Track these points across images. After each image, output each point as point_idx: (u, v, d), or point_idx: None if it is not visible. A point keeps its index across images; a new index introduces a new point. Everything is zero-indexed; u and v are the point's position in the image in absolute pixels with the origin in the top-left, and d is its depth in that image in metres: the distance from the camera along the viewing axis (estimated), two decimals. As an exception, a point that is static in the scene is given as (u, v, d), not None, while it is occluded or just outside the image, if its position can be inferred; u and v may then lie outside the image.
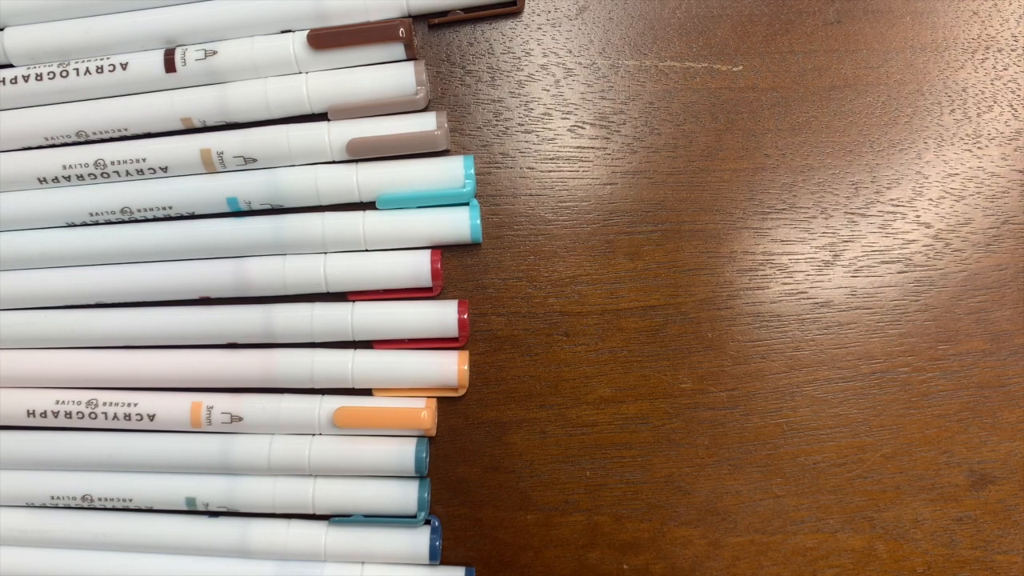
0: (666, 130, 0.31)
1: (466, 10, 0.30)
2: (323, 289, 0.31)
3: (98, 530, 0.32)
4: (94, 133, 0.31)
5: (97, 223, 0.32)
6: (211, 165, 0.30)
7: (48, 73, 0.30)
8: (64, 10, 0.30)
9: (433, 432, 0.31)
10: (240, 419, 0.31)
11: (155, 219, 0.31)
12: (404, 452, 0.31)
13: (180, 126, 0.31)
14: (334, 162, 0.31)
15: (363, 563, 0.31)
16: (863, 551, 0.32)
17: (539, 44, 0.31)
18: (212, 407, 0.31)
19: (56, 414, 0.31)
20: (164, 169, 0.31)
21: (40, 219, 0.31)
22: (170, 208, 0.31)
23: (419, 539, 0.31)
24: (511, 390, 0.32)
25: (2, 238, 0.31)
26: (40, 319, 0.32)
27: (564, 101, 0.31)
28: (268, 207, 0.31)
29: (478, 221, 0.30)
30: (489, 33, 0.31)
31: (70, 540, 0.32)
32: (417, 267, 0.30)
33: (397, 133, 0.30)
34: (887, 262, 0.31)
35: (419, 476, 0.31)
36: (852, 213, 0.31)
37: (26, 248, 0.31)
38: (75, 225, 0.32)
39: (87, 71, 0.30)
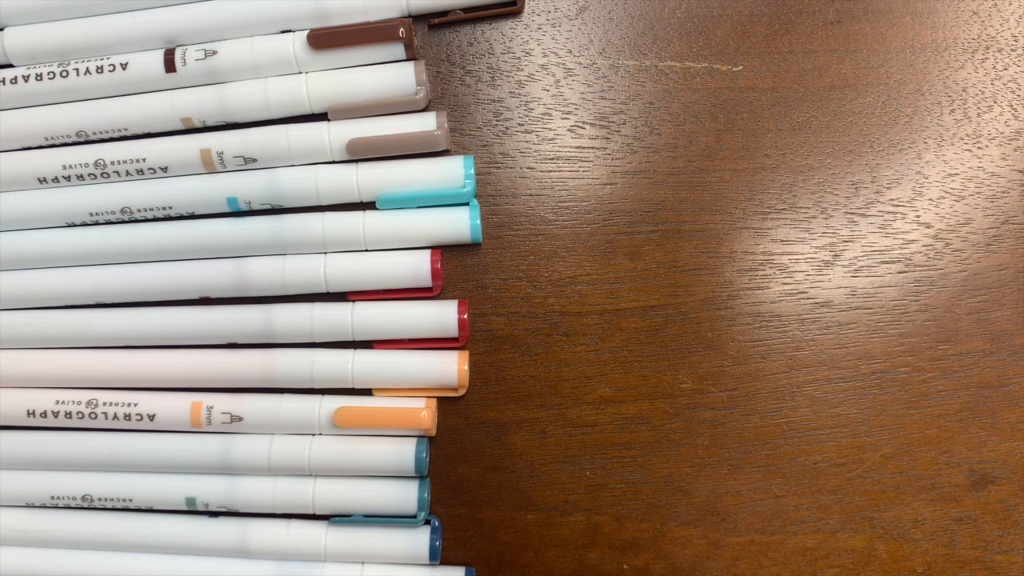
0: (666, 130, 0.31)
1: (466, 10, 0.30)
2: (323, 289, 0.31)
3: (98, 530, 0.32)
4: (94, 133, 0.31)
5: (97, 223, 0.32)
6: (211, 165, 0.30)
7: (48, 73, 0.30)
8: (64, 10, 0.30)
9: (433, 432, 0.31)
10: (240, 419, 0.31)
11: (155, 219, 0.31)
12: (404, 452, 0.31)
13: (180, 126, 0.31)
14: (334, 162, 0.31)
15: (363, 563, 0.31)
16: (863, 551, 0.32)
17: (539, 44, 0.31)
18: (212, 407, 0.31)
19: (56, 414, 0.31)
20: (164, 169, 0.31)
21: (40, 219, 0.31)
22: (170, 208, 0.31)
23: (419, 539, 0.31)
24: (511, 390, 0.32)
25: (2, 238, 0.31)
26: (40, 319, 0.32)
27: (564, 101, 0.31)
28: (268, 207, 0.31)
29: (478, 221, 0.30)
30: (489, 33, 0.31)
31: (70, 540, 0.32)
32: (417, 267, 0.30)
33: (397, 133, 0.30)
34: (887, 262, 0.31)
35: (419, 476, 0.31)
36: (852, 213, 0.31)
37: (26, 248, 0.31)
38: (75, 225, 0.32)
39: (87, 71, 0.30)
